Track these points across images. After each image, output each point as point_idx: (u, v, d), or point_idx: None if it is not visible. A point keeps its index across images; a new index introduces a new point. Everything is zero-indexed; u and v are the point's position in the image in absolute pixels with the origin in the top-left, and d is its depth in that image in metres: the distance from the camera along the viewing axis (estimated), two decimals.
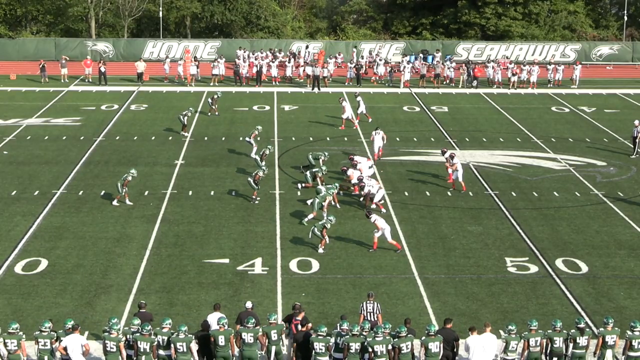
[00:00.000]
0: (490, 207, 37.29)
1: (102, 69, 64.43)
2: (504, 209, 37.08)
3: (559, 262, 31.09)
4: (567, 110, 58.30)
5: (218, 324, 22.68)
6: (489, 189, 39.81)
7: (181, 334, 22.18)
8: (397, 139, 48.89)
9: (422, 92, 63.65)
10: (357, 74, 66.24)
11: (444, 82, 66.64)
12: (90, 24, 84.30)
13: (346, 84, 66.05)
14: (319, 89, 62.91)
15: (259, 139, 45.17)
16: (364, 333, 22.22)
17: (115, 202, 36.74)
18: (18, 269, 29.97)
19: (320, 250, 31.83)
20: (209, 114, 54.30)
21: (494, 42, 79.23)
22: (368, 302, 24.62)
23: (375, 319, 24.20)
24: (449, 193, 39.07)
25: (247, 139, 44.64)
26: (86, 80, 65.85)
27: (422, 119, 54.93)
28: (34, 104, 57.31)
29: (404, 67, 66.31)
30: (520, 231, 34.32)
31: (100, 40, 77.99)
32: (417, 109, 58.03)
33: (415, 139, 49.04)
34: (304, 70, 66.47)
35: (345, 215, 35.81)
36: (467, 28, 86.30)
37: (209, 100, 55.05)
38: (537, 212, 36.69)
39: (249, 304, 24.10)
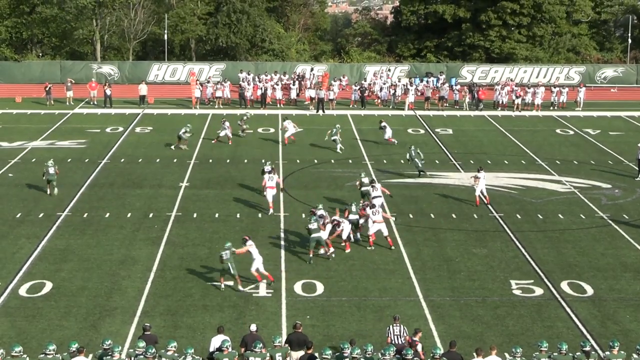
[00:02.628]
0: (495, 230, 37.23)
1: (108, 92, 64.60)
2: (508, 231, 37.02)
3: (564, 285, 31.00)
4: (571, 132, 58.31)
5: (222, 347, 22.62)
6: (493, 212, 39.76)
7: (188, 356, 22.09)
8: (402, 161, 48.84)
9: (426, 114, 63.71)
10: (361, 97, 66.34)
11: (446, 105, 66.55)
12: (95, 46, 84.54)
13: (351, 106, 66.11)
14: (323, 111, 62.99)
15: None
16: (367, 355, 22.16)
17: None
18: (22, 291, 29.93)
19: (331, 253, 33.14)
20: (241, 133, 54.19)
21: (498, 64, 79.34)
22: (395, 325, 24.60)
23: (403, 341, 24.13)
24: (453, 215, 39.03)
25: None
26: (91, 103, 66.03)
27: (427, 141, 54.96)
28: (39, 127, 57.43)
29: (408, 89, 66.40)
30: (526, 254, 34.24)
31: (105, 63, 78.24)
32: (422, 131, 58.08)
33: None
34: (308, 93, 66.61)
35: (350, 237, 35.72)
36: (471, 51, 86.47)
37: (239, 121, 54.95)
38: (542, 235, 36.62)
39: (253, 327, 24.05)
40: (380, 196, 37.83)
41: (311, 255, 33.09)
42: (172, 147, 50.00)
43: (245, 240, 31.36)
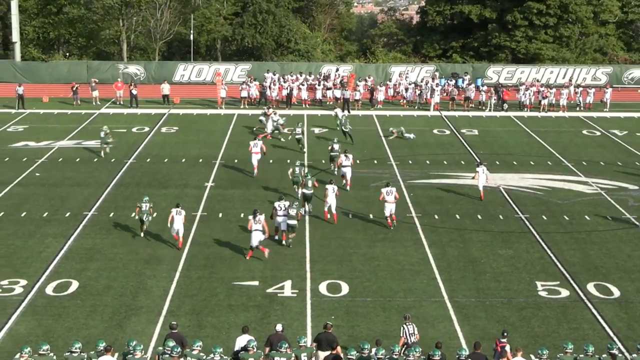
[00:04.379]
0: (520, 231, 37.10)
1: (134, 92, 64.88)
2: (534, 232, 36.88)
3: (590, 287, 30.86)
4: (598, 133, 57.99)
5: (248, 347, 22.65)
6: (519, 212, 39.62)
7: (216, 355, 22.11)
8: (427, 161, 48.80)
9: (452, 114, 63.55)
10: (370, 97, 66.43)
11: (471, 106, 66.22)
12: (122, 47, 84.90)
13: (377, 106, 66.01)
14: (349, 111, 62.95)
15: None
16: (396, 356, 22.15)
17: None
18: (49, 290, 30.12)
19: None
20: (281, 139, 54.33)
21: (524, 65, 78.95)
22: (407, 324, 24.56)
23: (415, 340, 24.16)
24: (479, 216, 38.92)
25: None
26: (117, 103, 66.28)
27: (452, 141, 54.82)
28: (66, 127, 57.73)
29: (433, 90, 66.24)
30: (551, 255, 34.11)
31: (131, 63, 78.46)
32: (447, 131, 57.94)
33: (445, 162, 48.93)
34: (333, 93, 66.60)
35: (375, 238, 35.77)
36: (497, 51, 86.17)
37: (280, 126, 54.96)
38: (568, 236, 36.46)
39: (279, 327, 24.08)
40: (349, 166, 42.68)
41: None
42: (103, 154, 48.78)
43: (255, 213, 33.03)
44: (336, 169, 44.96)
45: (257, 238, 32.87)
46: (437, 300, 29.64)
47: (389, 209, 37.08)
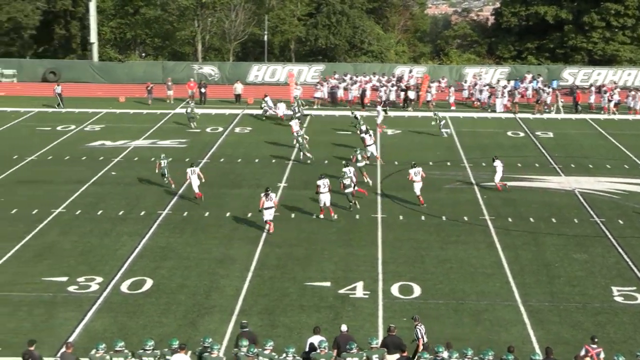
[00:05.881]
0: (595, 235, 36.58)
1: (202, 90, 65.82)
2: (610, 236, 36.34)
3: None
4: None
5: (319, 347, 22.68)
6: (594, 216, 39.06)
7: (289, 355, 22.17)
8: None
9: (526, 117, 62.90)
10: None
11: (547, 109, 65.25)
12: (196, 47, 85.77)
13: (451, 108, 65.65)
14: (385, 112, 62.68)
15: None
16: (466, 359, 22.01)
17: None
18: (124, 287, 30.52)
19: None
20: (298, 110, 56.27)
21: (601, 67, 77.84)
22: (419, 325, 24.42)
23: (426, 341, 24.06)
24: (553, 220, 38.48)
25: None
26: (191, 102, 66.90)
27: (527, 144, 54.28)
28: (141, 126, 58.45)
29: (504, 91, 65.68)
30: (628, 260, 33.57)
31: (206, 63, 79.17)
32: (522, 134, 57.38)
33: (519, 165, 48.46)
34: (406, 94, 66.39)
35: (448, 240, 35.59)
36: (573, 52, 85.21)
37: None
38: None
39: (344, 327, 24.09)
40: (373, 144, 47.51)
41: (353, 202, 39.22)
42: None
43: (267, 191, 36.36)
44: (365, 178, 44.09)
45: (270, 213, 36.09)
46: (510, 303, 29.37)
47: (418, 187, 39.90)
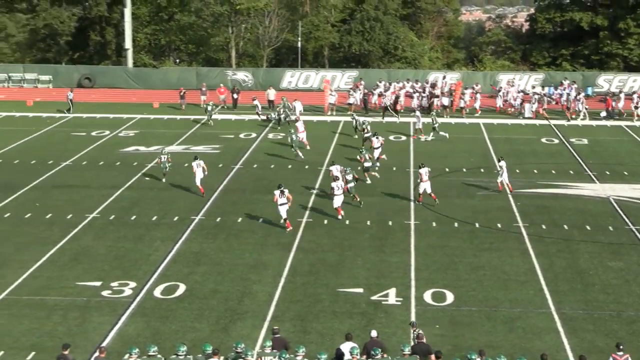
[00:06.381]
0: (631, 243, 36.29)
1: (235, 95, 66.21)
2: None
3: None
4: None
5: (351, 354, 22.65)
6: (629, 224, 38.76)
7: None
8: (535, 171, 48.18)
9: (561, 123, 62.56)
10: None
11: (580, 116, 64.78)
12: (230, 53, 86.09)
13: (476, 114, 65.44)
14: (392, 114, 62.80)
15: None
16: None
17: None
18: (157, 292, 30.65)
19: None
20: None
21: (637, 73, 77.18)
22: (414, 330, 24.37)
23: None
24: (588, 227, 38.22)
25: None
26: (225, 107, 67.15)
27: (561, 151, 53.99)
28: (175, 132, 58.71)
29: (541, 98, 65.34)
30: None
31: (240, 69, 79.44)
32: (556, 140, 57.07)
33: (553, 172, 48.20)
34: (440, 101, 66.20)
35: (481, 247, 35.46)
36: (608, 59, 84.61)
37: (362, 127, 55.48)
38: None
39: (374, 333, 24.05)
40: (379, 147, 47.97)
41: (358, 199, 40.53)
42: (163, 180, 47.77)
43: (280, 188, 37.30)
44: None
45: (284, 210, 37.06)
46: (544, 311, 29.19)
47: (428, 186, 40.90)
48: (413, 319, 28.21)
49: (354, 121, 57.13)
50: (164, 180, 45.64)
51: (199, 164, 42.95)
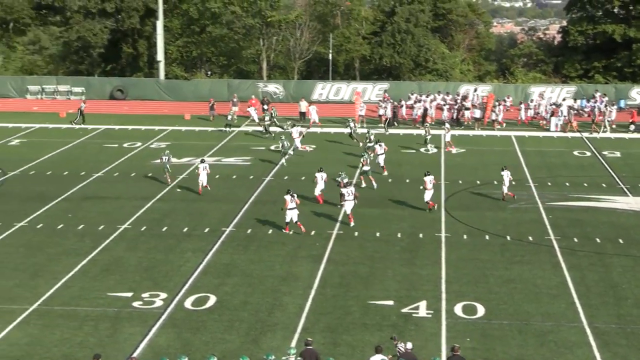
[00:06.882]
0: None
1: (265, 107, 66.41)
2: None
3: None
4: None
5: None
6: None
7: None
8: (567, 183, 47.92)
9: (593, 136, 62.21)
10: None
11: (614, 127, 64.32)
12: (261, 65, 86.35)
13: (518, 124, 65.25)
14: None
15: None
16: None
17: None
18: (188, 304, 30.70)
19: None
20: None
21: None
22: (399, 344, 24.18)
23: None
24: (620, 240, 37.93)
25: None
26: (250, 120, 67.30)
27: (593, 163, 53.67)
28: (206, 143, 58.90)
29: (560, 111, 65.09)
30: None
31: (271, 81, 79.65)
32: (588, 153, 56.75)
33: (585, 185, 47.90)
34: (471, 113, 66.06)
35: (512, 260, 35.27)
36: None
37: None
38: None
39: (409, 345, 23.96)
40: (383, 154, 49.54)
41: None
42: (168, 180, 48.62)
43: (289, 192, 38.70)
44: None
45: (294, 214, 38.39)
46: (576, 325, 28.97)
47: (429, 195, 41.92)
48: (444, 331, 28.09)
49: (350, 128, 58.68)
50: (168, 180, 47.61)
51: (205, 167, 45.53)
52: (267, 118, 62.91)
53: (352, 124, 58.92)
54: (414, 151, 56.33)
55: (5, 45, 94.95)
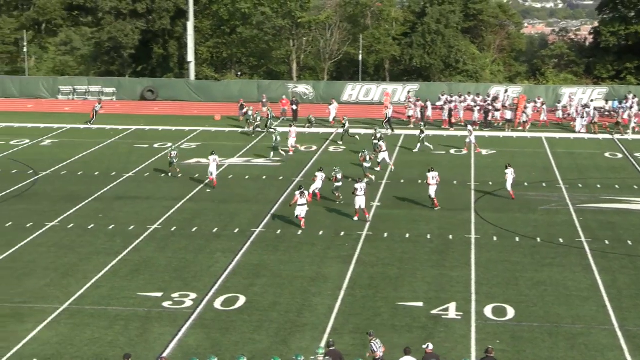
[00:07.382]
0: None
1: (295, 107, 66.46)
2: None
3: None
4: None
5: None
6: None
7: None
8: (598, 185, 47.64)
9: (625, 138, 61.79)
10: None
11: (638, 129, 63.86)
12: (291, 66, 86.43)
13: (546, 126, 64.94)
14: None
15: None
16: None
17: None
18: (217, 304, 30.78)
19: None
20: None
21: None
22: (374, 340, 24.27)
23: (381, 354, 23.97)
24: None
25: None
26: (281, 119, 67.40)
27: (625, 165, 53.32)
28: (236, 144, 59.04)
29: (584, 112, 64.72)
30: None
31: (301, 82, 79.72)
32: (620, 155, 56.39)
33: (617, 187, 47.61)
34: (502, 114, 65.80)
35: (543, 262, 35.10)
36: None
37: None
38: None
39: (430, 346, 23.91)
40: (386, 151, 51.22)
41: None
42: (169, 174, 50.35)
43: (301, 189, 39.94)
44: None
45: (303, 209, 39.42)
46: (607, 328, 28.78)
47: (433, 190, 42.64)
48: (474, 333, 28.03)
49: (343, 127, 60.21)
50: (169, 174, 49.79)
51: (215, 159, 47.49)
52: (258, 118, 63.60)
53: (347, 124, 60.08)
54: (443, 153, 56.17)
55: (38, 46, 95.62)
